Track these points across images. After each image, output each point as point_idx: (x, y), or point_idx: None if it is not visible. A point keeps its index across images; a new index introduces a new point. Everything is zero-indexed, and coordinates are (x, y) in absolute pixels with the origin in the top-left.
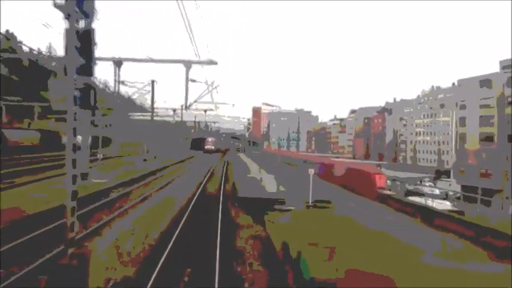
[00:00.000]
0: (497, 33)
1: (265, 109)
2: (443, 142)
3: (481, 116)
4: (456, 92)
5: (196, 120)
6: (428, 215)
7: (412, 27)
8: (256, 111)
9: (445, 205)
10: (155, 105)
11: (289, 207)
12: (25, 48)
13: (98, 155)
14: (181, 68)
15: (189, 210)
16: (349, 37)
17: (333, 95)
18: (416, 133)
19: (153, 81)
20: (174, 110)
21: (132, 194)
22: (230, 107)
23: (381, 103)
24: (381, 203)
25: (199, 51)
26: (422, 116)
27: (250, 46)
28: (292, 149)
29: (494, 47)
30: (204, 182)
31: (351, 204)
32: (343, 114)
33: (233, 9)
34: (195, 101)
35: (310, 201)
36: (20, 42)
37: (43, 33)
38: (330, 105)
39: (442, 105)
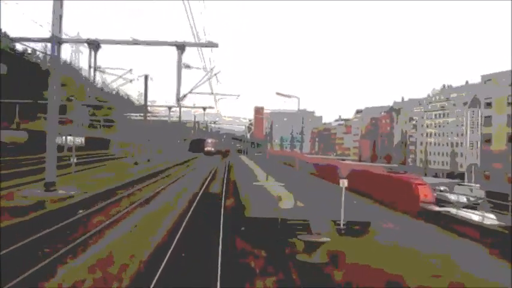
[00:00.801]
0: (506, 31)
1: (267, 110)
2: (457, 144)
3: (509, 115)
4: (480, 89)
5: (194, 120)
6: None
7: (417, 26)
8: (258, 111)
9: (491, 219)
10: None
11: (320, 240)
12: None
13: (71, 160)
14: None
15: (176, 239)
16: (352, 36)
17: (336, 95)
18: (427, 134)
19: (146, 76)
20: (170, 108)
21: (102, 213)
22: (232, 103)
23: (386, 103)
24: (427, 222)
25: (199, 35)
26: (433, 116)
27: (251, 43)
28: (295, 150)
29: (500, 47)
30: (201, 192)
31: (389, 225)
32: (347, 114)
33: (234, 7)
34: (190, 92)
35: (342, 223)
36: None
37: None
38: (334, 106)
39: (455, 105)
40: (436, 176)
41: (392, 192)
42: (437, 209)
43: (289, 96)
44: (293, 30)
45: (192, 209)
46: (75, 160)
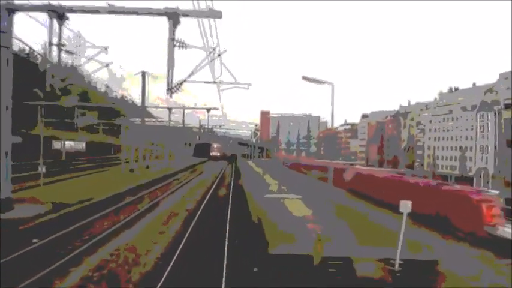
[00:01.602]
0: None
1: (273, 115)
2: (466, 148)
3: None
4: (499, 88)
5: (200, 124)
6: None
7: (420, 28)
8: (265, 115)
9: None
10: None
11: None
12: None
13: (39, 169)
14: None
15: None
16: (354, 38)
17: (341, 100)
18: (435, 138)
19: (144, 73)
20: (170, 109)
21: (66, 244)
22: (236, 101)
23: (392, 107)
24: (499, 255)
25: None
26: (442, 120)
27: (253, 44)
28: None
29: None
30: (201, 207)
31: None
32: (352, 119)
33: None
34: (185, 79)
35: (397, 264)
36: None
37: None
38: (339, 111)
39: (464, 108)
40: (445, 180)
41: (442, 210)
42: (508, 235)
43: (319, 82)
44: (294, 32)
45: (188, 231)
46: (43, 170)
